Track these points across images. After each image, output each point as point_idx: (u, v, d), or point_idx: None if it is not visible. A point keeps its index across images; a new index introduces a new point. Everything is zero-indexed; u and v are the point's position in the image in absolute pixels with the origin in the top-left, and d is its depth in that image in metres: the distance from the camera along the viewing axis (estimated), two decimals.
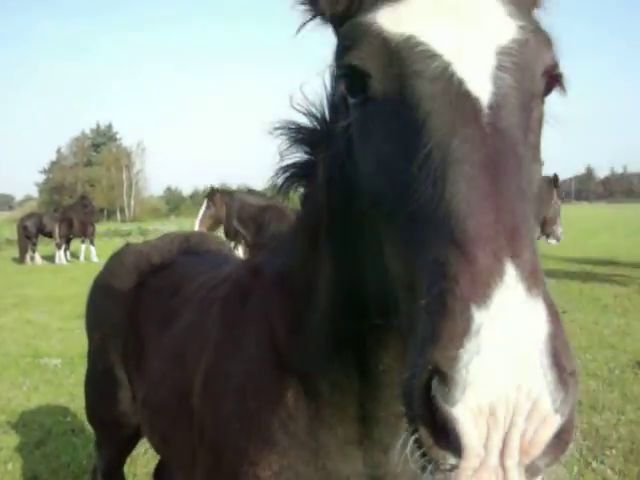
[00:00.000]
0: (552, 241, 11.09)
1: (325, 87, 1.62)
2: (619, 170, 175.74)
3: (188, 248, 2.95)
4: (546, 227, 10.60)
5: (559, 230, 10.89)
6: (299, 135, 1.71)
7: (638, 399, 6.49)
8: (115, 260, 3.12)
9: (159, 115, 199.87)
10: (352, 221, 1.40)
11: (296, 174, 1.76)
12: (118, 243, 13.73)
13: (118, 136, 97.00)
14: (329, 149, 1.49)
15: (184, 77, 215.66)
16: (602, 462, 4.97)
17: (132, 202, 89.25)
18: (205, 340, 2.01)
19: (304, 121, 1.70)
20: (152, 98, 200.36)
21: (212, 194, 13.54)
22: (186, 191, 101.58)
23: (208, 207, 13.49)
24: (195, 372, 2.01)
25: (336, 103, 1.49)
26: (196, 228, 13.28)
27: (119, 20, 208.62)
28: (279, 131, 1.72)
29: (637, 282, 13.90)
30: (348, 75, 1.18)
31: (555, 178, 11.05)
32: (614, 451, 5.17)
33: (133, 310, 2.74)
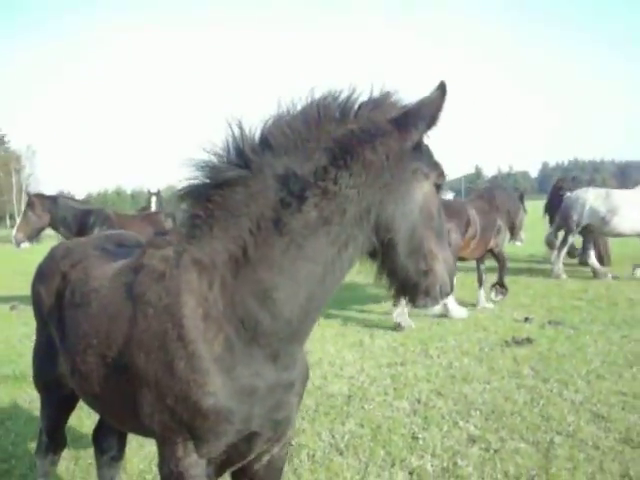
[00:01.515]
0: (518, 243, 13.54)
1: (239, 136, 2.52)
2: (505, 169, 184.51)
3: (103, 245, 3.53)
4: (514, 233, 12.86)
5: (522, 235, 13.36)
6: (208, 172, 2.55)
7: (502, 371, 7.49)
8: (49, 254, 3.70)
9: (51, 117, 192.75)
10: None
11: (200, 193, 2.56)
12: (9, 250, 13.79)
13: (6, 139, 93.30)
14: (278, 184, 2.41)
15: (77, 76, 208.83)
16: (467, 421, 5.87)
17: (22, 207, 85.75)
18: (131, 314, 2.63)
19: (211, 158, 2.56)
20: (42, 99, 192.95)
21: (31, 201, 13.31)
22: (79, 195, 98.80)
23: (25, 214, 13.34)
24: (122, 339, 2.65)
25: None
26: (13, 234, 13.46)
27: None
28: (195, 166, 2.56)
29: (514, 273, 15.33)
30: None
31: (521, 195, 13.83)
32: (478, 412, 6.08)
33: (58, 296, 3.32)
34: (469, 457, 5.08)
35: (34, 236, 13.39)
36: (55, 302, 3.34)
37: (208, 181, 2.54)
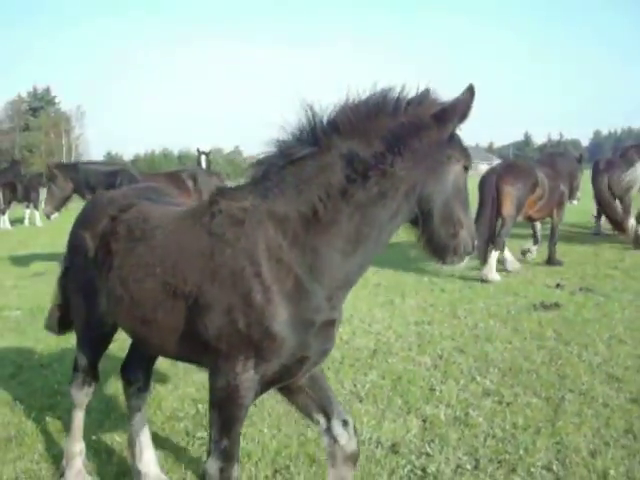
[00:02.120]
0: (574, 202, 14.31)
1: (312, 118, 3.05)
2: (556, 137, 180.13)
3: (145, 195, 3.92)
4: (572, 193, 13.51)
5: (578, 194, 14.31)
6: (285, 147, 3.10)
7: (525, 332, 7.72)
8: (91, 203, 4.12)
9: (100, 78, 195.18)
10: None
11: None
12: (63, 211, 14.42)
13: (57, 100, 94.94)
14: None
15: (126, 38, 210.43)
16: (484, 377, 6.15)
17: None
18: (207, 250, 3.09)
19: (287, 136, 3.13)
20: (92, 60, 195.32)
21: (51, 173, 13.63)
22: (127, 156, 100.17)
23: (49, 188, 13.73)
24: (192, 270, 3.12)
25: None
26: (43, 209, 14.24)
27: None
28: (273, 144, 3.15)
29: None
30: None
31: (580, 156, 14.36)
32: (496, 369, 6.36)
33: (104, 236, 3.68)
34: (481, 408, 5.37)
35: (61, 206, 13.91)
36: (101, 242, 3.71)
37: (283, 156, 3.08)
